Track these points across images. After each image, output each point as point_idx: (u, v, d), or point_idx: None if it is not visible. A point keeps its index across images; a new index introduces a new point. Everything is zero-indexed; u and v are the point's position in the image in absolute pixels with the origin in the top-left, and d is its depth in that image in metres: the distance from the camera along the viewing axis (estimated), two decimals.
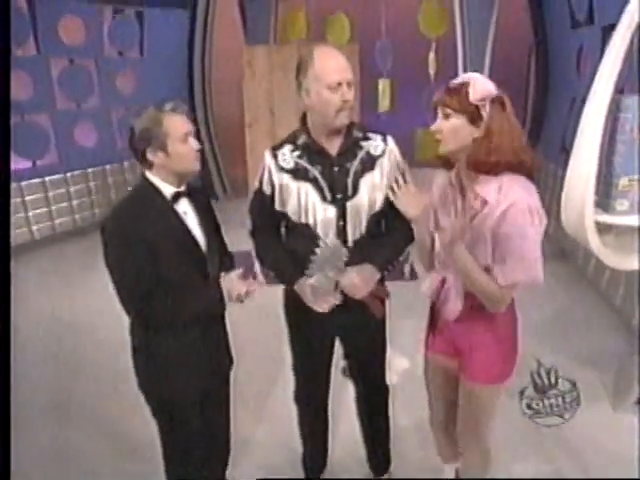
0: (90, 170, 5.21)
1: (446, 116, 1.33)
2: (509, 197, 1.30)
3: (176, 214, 1.44)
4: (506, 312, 1.46)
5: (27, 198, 4.82)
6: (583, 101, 1.80)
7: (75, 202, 5.21)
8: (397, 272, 3.85)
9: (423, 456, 2.05)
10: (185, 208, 1.47)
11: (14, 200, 4.68)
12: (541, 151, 4.62)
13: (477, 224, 1.35)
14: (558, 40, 4.47)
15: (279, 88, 4.26)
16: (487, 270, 1.37)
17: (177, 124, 1.39)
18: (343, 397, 2.15)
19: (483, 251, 1.36)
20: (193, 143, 1.42)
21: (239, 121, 4.86)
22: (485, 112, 1.29)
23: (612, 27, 1.84)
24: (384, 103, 5.46)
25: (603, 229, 1.97)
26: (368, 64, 5.18)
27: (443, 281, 1.48)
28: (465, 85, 1.30)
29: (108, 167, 5.40)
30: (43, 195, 4.96)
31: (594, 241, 1.83)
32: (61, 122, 5.05)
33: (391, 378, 2.07)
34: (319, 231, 1.56)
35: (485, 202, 1.34)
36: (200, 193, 1.59)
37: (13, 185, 4.65)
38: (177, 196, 1.44)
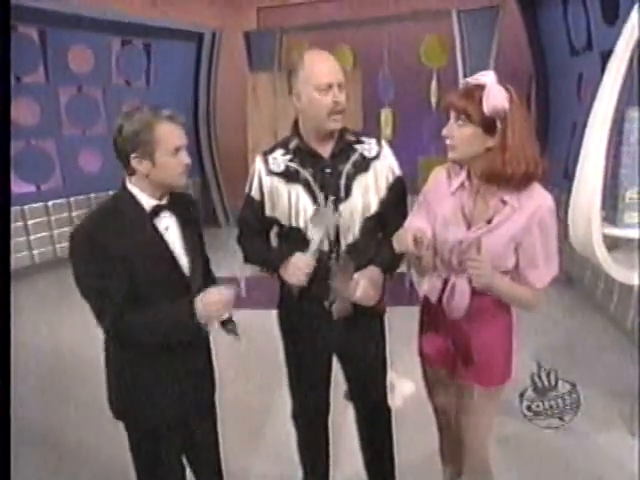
0: (93, 195, 5.23)
1: (459, 125, 1.27)
2: (533, 199, 1.29)
3: (155, 229, 1.30)
4: (505, 312, 1.43)
5: (29, 222, 4.83)
6: (584, 126, 1.80)
7: None
8: (398, 291, 3.78)
9: None
10: (167, 223, 1.33)
11: (16, 224, 4.69)
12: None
13: (498, 226, 1.31)
14: (558, 68, 4.54)
15: (282, 114, 4.32)
16: (506, 273, 1.34)
17: (171, 134, 1.26)
18: (345, 426, 2.04)
19: (505, 256, 1.32)
20: (184, 157, 1.29)
21: (242, 151, 4.91)
22: (499, 122, 1.25)
23: (610, 53, 1.86)
24: (386, 132, 5.53)
25: (612, 245, 1.93)
26: (370, 94, 5.27)
27: (444, 280, 1.43)
28: (480, 89, 1.24)
29: (111, 193, 5.41)
30: (45, 219, 4.97)
31: (602, 255, 1.80)
32: (66, 148, 5.11)
33: (395, 402, 1.98)
34: (310, 235, 1.50)
35: (504, 202, 1.31)
36: (184, 204, 1.43)
37: (16, 209, 4.67)
38: (157, 210, 1.31)
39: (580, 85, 4.05)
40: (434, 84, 5.22)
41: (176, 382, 1.39)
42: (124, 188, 1.31)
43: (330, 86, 1.43)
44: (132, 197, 1.29)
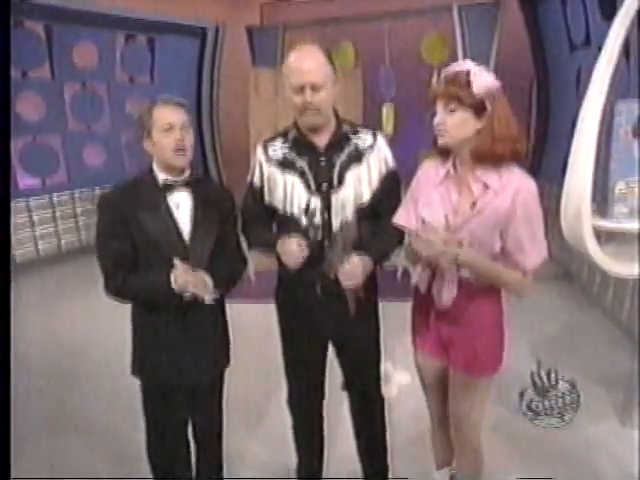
0: (97, 189, 5.29)
1: (451, 111, 1.31)
2: (512, 183, 1.32)
3: (166, 204, 1.47)
4: (495, 303, 1.45)
5: (34, 215, 4.89)
6: None
7: (81, 221, 5.27)
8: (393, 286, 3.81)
9: (421, 472, 1.98)
10: (179, 200, 1.49)
11: (21, 217, 4.77)
12: (544, 173, 4.64)
13: (482, 210, 1.34)
14: (558, 64, 4.55)
15: (284, 109, 4.35)
16: (495, 258, 1.36)
17: (163, 114, 1.43)
18: (341, 413, 2.09)
19: (491, 240, 1.35)
20: (176, 134, 1.42)
21: (244, 145, 4.95)
22: (489, 104, 1.29)
23: None
24: (388, 128, 5.54)
25: (605, 238, 1.96)
26: (372, 90, 5.29)
27: (434, 271, 1.45)
28: (465, 75, 1.28)
29: None
30: (50, 213, 5.04)
31: (592, 247, 1.82)
32: (71, 143, 5.17)
33: (390, 391, 2.01)
34: (303, 221, 1.55)
35: (486, 186, 1.34)
36: (206, 186, 1.57)
37: (21, 202, 4.75)
38: (168, 186, 1.48)
39: (579, 81, 4.06)
40: (435, 80, 5.24)
41: (188, 345, 1.53)
42: (150, 167, 1.51)
43: (302, 88, 1.47)
44: (152, 174, 1.50)
